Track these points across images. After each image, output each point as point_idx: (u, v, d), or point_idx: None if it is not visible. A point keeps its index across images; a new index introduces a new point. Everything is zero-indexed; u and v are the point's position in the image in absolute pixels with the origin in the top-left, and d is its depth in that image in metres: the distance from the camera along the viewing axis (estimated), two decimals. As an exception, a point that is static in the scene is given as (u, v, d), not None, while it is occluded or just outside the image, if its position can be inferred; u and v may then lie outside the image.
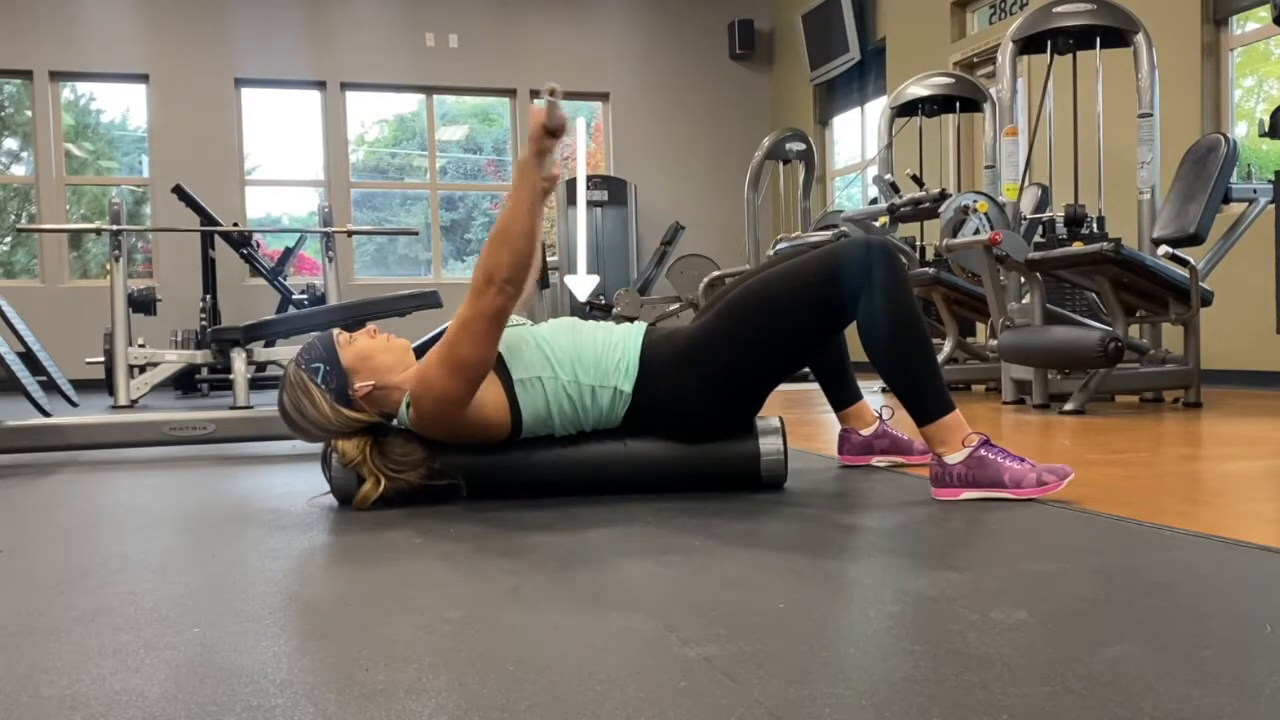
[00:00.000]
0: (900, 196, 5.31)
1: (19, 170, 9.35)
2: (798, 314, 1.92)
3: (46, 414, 3.74)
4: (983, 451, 1.84)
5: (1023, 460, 1.85)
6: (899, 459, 2.32)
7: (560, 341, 1.96)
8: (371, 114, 10.20)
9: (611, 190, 9.73)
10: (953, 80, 6.04)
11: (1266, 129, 3.88)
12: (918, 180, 5.26)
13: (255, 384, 6.66)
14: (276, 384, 5.72)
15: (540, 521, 1.71)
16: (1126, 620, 1.05)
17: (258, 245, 7.87)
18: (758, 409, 2.02)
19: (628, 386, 1.94)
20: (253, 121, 9.47)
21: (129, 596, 1.27)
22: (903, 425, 2.36)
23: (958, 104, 5.98)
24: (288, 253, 8.07)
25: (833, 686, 0.87)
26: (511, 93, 9.96)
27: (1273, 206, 4.21)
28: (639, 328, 2.04)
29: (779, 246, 5.95)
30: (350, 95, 9.66)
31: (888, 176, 5.59)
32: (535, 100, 1.52)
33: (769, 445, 1.99)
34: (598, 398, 1.95)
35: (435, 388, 1.83)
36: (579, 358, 1.95)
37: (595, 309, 8.74)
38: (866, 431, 2.33)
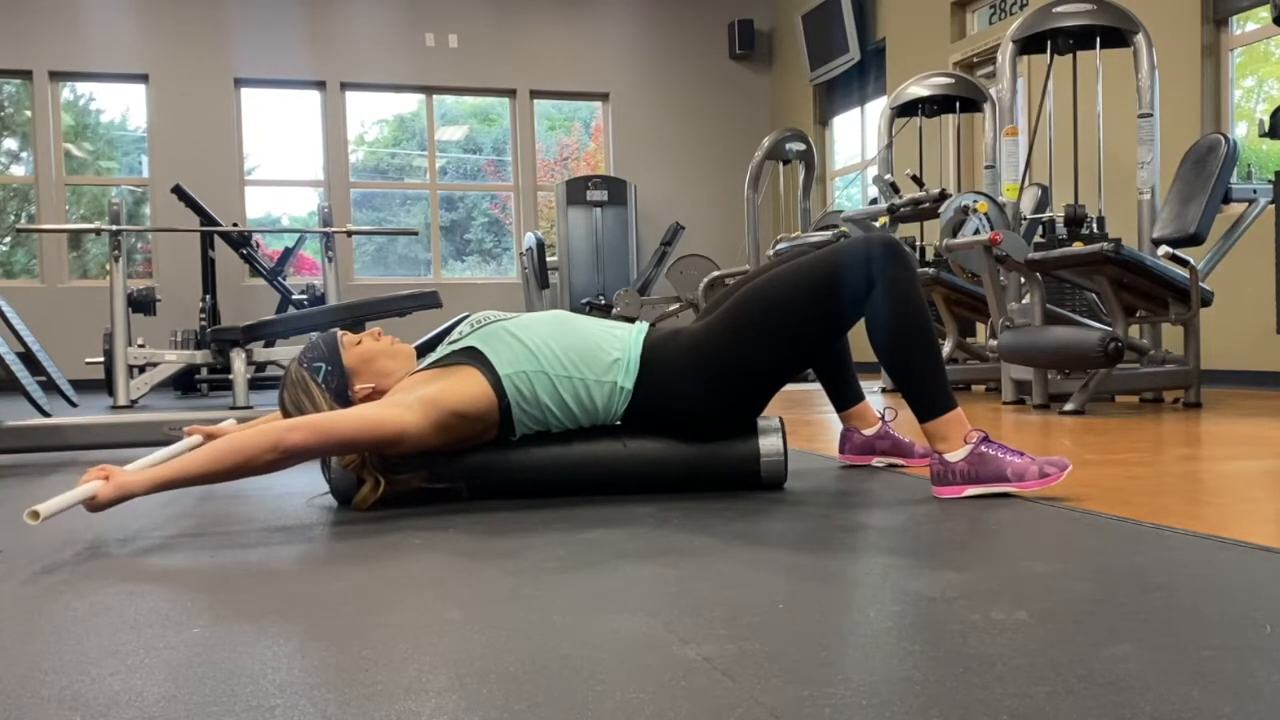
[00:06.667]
0: (900, 197, 5.30)
1: (19, 170, 9.34)
2: (802, 314, 1.92)
3: (46, 414, 3.74)
4: (983, 447, 1.84)
5: (1022, 454, 1.85)
6: (899, 461, 2.31)
7: (546, 332, 1.95)
8: (371, 114, 10.20)
9: (611, 190, 9.72)
10: (953, 80, 6.03)
11: (1266, 129, 3.88)
12: (918, 180, 5.26)
13: (255, 384, 6.66)
14: (276, 384, 5.73)
15: (540, 521, 1.71)
16: (1126, 620, 1.05)
17: (257, 245, 7.87)
18: (761, 409, 2.01)
19: (629, 383, 1.94)
20: (252, 121, 9.47)
21: (129, 596, 1.27)
22: (904, 429, 2.36)
23: (958, 104, 5.98)
24: (287, 253, 8.07)
25: (833, 686, 0.87)
26: (511, 93, 9.96)
27: (1273, 206, 4.21)
28: (641, 326, 2.04)
29: (779, 246, 5.95)
30: (350, 95, 9.66)
31: (888, 177, 5.59)
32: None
33: (769, 445, 1.99)
34: (594, 393, 1.94)
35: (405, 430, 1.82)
36: (572, 348, 1.94)
37: (595, 309, 8.74)
38: (869, 431, 2.33)
